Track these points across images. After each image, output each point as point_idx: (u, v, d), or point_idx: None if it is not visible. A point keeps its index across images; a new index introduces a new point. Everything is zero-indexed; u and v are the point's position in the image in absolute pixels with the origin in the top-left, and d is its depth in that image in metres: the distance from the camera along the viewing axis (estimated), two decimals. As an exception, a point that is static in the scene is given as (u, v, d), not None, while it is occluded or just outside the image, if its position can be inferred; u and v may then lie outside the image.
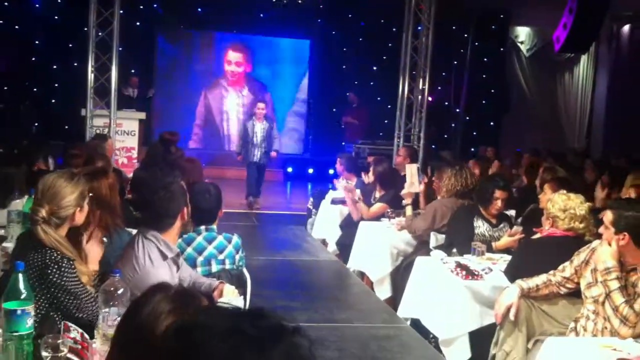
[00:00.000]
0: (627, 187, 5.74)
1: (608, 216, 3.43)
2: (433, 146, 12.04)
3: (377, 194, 6.82)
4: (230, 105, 15.18)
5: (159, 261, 3.01)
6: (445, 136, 14.46)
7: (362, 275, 6.37)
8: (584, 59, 14.57)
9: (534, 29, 14.61)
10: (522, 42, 14.66)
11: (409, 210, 6.17)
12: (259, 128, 10.13)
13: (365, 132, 13.10)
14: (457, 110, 14.55)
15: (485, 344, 4.06)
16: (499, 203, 5.17)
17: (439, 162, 8.33)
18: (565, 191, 4.33)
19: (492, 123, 14.64)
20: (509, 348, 3.72)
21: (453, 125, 14.64)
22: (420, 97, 10.44)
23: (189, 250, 3.79)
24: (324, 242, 7.63)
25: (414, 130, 10.41)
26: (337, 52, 14.39)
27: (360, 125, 13.30)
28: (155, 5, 13.69)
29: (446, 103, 14.53)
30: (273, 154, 10.34)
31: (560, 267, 3.74)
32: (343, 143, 13.32)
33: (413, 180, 6.30)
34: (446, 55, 13.48)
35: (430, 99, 10.89)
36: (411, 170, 6.36)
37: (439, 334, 4.50)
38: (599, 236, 3.62)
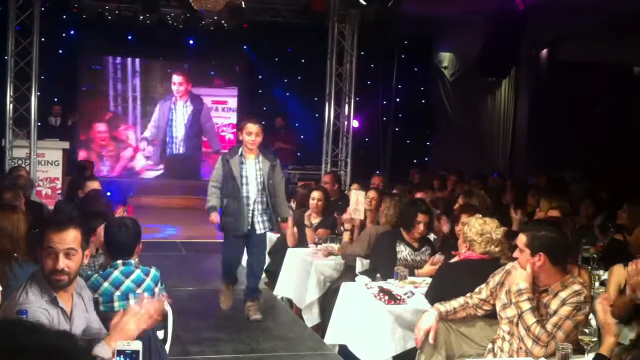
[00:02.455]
0: (545, 209, 5.95)
1: (522, 239, 3.52)
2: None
3: (313, 220, 6.77)
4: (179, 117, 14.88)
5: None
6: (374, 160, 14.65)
7: (290, 302, 6.36)
8: (505, 82, 15.06)
9: (456, 54, 15.03)
10: (445, 67, 15.05)
11: (346, 236, 6.21)
12: (251, 166, 5.88)
13: (295, 157, 13.15)
14: (385, 134, 14.78)
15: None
16: (421, 227, 5.29)
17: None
18: (480, 215, 4.45)
19: (420, 146, 14.94)
20: (429, 371, 3.78)
21: (383, 150, 14.86)
22: (346, 122, 10.58)
23: (106, 284, 3.73)
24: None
25: (340, 156, 10.52)
26: (265, 77, 14.42)
27: (291, 150, 13.35)
28: (73, 32, 13.35)
29: (374, 128, 14.74)
30: (288, 224, 6.42)
31: (477, 289, 3.84)
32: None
33: (358, 207, 6.30)
34: (372, 80, 13.72)
35: (356, 124, 11.03)
36: (357, 197, 6.36)
37: (365, 358, 4.53)
38: (514, 259, 3.73)
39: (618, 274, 4.21)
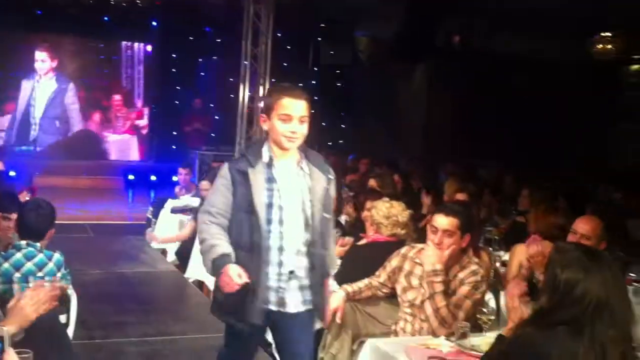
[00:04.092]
0: (450, 193, 6.14)
1: (453, 222, 3.57)
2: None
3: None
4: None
5: None
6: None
7: (200, 284, 6.31)
8: (420, 67, 15.33)
9: (373, 38, 15.17)
10: (361, 51, 15.17)
11: None
12: (291, 183, 3.16)
13: (211, 138, 13.01)
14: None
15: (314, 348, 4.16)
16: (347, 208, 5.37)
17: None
18: (387, 199, 4.56)
19: (335, 129, 15.05)
20: (335, 351, 3.86)
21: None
22: (261, 104, 10.53)
23: (6, 265, 3.71)
24: (163, 253, 7.47)
25: (254, 138, 10.49)
26: (181, 57, 14.16)
27: (206, 131, 13.21)
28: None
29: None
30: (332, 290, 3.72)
31: (377, 273, 3.94)
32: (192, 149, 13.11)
33: None
34: (289, 62, 13.69)
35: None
36: None
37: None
38: (418, 241, 3.83)
39: (519, 253, 4.39)
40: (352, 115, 15.31)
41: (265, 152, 3.15)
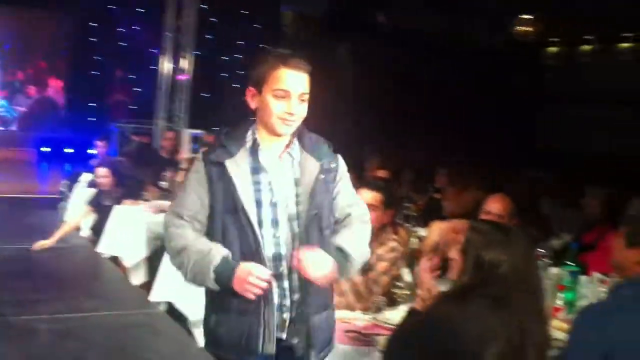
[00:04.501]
0: (371, 169, 6.19)
1: (377, 197, 3.65)
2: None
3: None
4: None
5: None
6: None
7: (115, 260, 6.16)
8: (345, 45, 15.31)
9: (299, 13, 15.05)
10: (286, 26, 15.04)
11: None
12: (282, 175, 2.53)
13: (130, 111, 12.68)
14: (223, 91, 14.59)
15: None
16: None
17: None
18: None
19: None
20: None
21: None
22: (183, 77, 10.33)
23: None
24: (77, 227, 7.23)
25: (177, 111, 10.29)
26: (102, 27, 13.66)
27: (127, 103, 12.86)
28: None
29: (214, 84, 14.50)
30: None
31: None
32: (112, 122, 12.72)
33: None
34: (213, 36, 13.43)
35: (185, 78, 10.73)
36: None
37: (190, 315, 4.50)
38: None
39: (435, 229, 4.46)
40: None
41: (249, 136, 2.53)
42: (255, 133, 2.53)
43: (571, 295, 3.47)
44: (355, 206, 2.69)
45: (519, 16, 9.36)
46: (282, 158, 2.53)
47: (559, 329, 3.13)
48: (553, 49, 13.24)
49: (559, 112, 12.68)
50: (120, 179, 6.46)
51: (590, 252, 4.57)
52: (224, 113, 14.14)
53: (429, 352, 2.30)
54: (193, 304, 4.52)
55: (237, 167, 2.46)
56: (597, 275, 3.78)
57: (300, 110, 2.49)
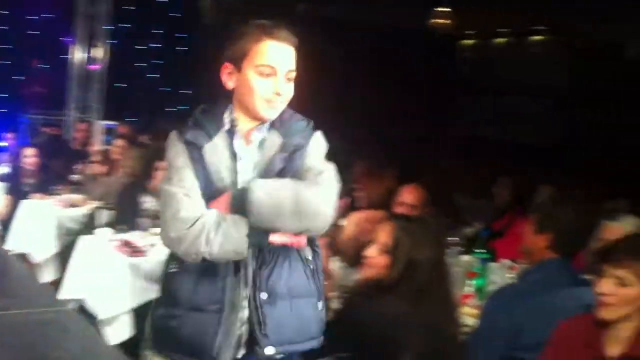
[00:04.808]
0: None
1: None
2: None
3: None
4: None
5: None
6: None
7: (23, 257, 5.91)
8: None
9: (218, 1, 14.83)
10: (204, 14, 14.81)
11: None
12: (254, 159, 2.26)
13: (43, 101, 12.19)
14: (142, 80, 14.25)
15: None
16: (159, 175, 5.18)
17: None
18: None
19: (177, 94, 14.64)
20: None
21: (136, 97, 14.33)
22: (98, 67, 10.01)
23: None
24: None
25: (90, 102, 9.97)
26: (13, 15, 13.05)
27: (38, 93, 12.35)
28: None
29: (130, 74, 14.13)
30: None
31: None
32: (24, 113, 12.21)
33: None
34: (129, 24, 13.07)
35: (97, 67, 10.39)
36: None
37: (100, 313, 4.37)
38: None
39: (352, 220, 4.49)
40: (197, 80, 14.96)
41: (227, 117, 2.22)
42: (232, 114, 2.22)
43: (481, 281, 3.56)
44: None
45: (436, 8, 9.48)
46: (250, 140, 2.22)
47: (469, 315, 3.20)
48: (468, 42, 13.57)
49: (474, 103, 13.01)
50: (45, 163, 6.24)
51: (499, 239, 4.71)
52: (139, 104, 13.88)
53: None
54: (106, 300, 4.41)
55: (216, 152, 2.17)
56: (505, 261, 3.90)
57: (288, 90, 2.19)
